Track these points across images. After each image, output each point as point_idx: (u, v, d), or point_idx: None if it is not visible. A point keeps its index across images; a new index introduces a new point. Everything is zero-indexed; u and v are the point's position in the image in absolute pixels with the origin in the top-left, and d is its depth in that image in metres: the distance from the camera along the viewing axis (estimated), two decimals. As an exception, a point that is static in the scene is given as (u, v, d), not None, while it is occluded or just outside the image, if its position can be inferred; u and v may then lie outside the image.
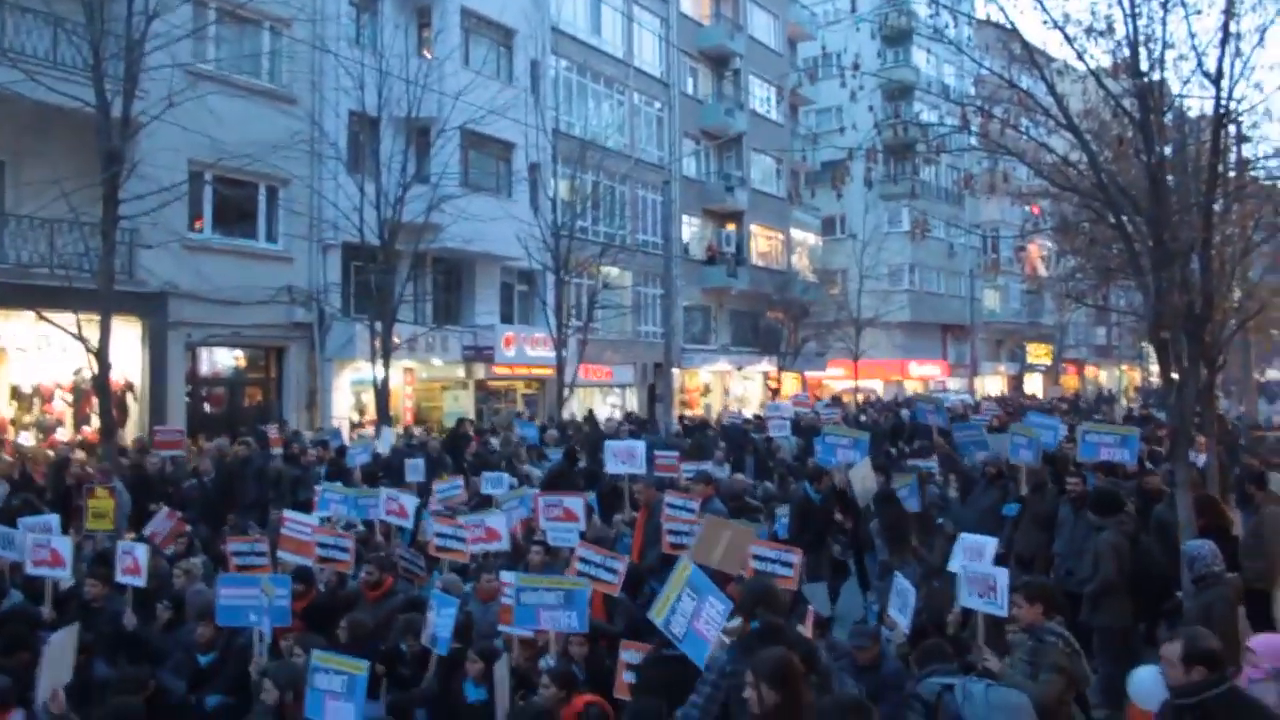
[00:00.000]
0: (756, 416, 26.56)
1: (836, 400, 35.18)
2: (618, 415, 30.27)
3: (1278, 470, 12.37)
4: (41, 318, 15.75)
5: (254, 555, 10.67)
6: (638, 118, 36.84)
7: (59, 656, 7.40)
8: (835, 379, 46.21)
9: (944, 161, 47.53)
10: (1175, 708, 5.02)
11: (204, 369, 23.31)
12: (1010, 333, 59.20)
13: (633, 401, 36.14)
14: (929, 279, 52.24)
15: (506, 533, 11.22)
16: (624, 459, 13.32)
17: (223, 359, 23.93)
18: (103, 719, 6.29)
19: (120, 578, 9.85)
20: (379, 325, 21.17)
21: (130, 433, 20.06)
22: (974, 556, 8.50)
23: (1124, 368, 67.77)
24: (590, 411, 29.98)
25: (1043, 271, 41.92)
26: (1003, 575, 7.03)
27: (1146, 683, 6.69)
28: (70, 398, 20.40)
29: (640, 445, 13.78)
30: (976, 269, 52.89)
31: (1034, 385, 58.99)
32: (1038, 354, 60.51)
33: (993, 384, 56.19)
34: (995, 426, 18.21)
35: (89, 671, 7.92)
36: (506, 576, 9.15)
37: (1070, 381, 61.82)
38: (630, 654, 7.43)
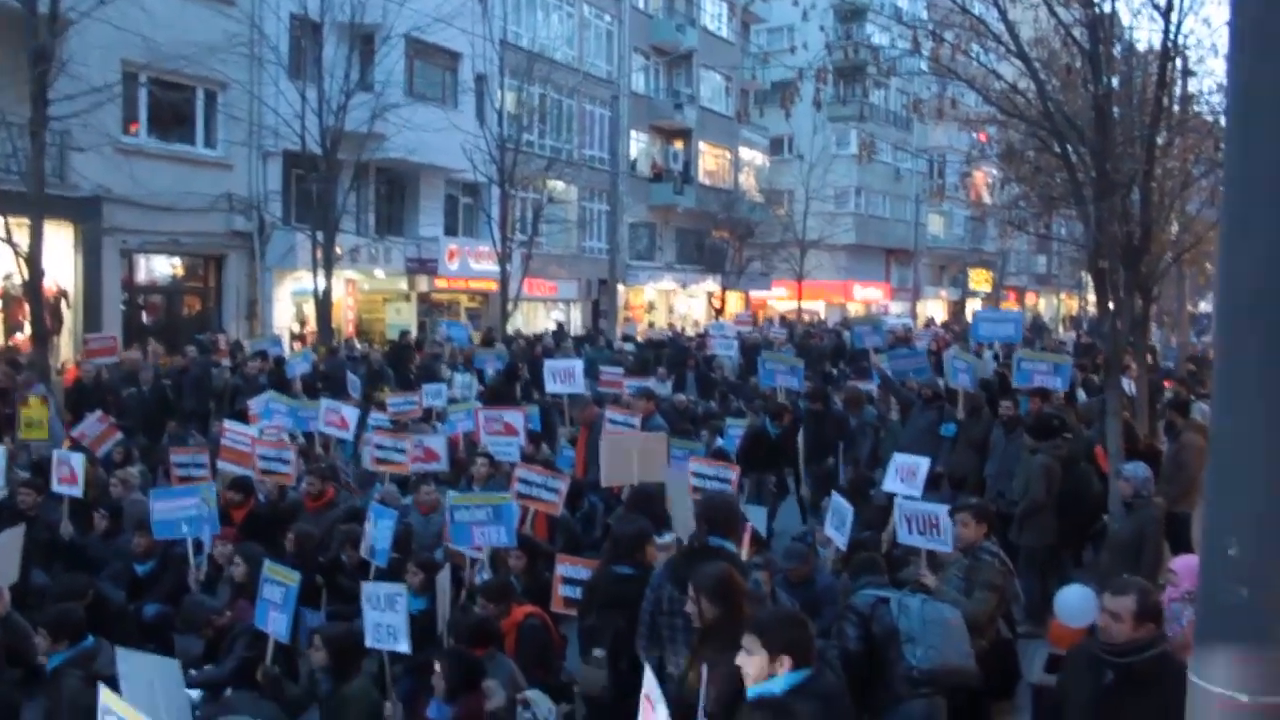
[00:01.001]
0: (699, 334, 26.70)
1: (784, 320, 35.41)
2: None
3: (1201, 399, 12.77)
4: (-31, 220, 15.30)
5: (195, 467, 10.64)
6: (587, 30, 36.22)
7: (2, 558, 7.35)
8: (779, 299, 46.40)
9: (893, 86, 47.32)
10: (1101, 663, 4.76)
11: (141, 277, 22.84)
12: (953, 258, 59.71)
13: (577, 317, 36.11)
14: (875, 203, 52.37)
15: (445, 453, 11.25)
16: (562, 379, 13.36)
17: (160, 267, 23.47)
18: (43, 625, 6.25)
19: (56, 487, 9.78)
20: (320, 235, 20.85)
21: (65, 341, 19.69)
22: (907, 475, 8.71)
23: (1063, 296, 68.76)
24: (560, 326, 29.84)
25: (987, 199, 42.11)
26: (944, 515, 7.14)
27: (1072, 601, 6.95)
28: (0, 304, 19.93)
29: (578, 364, 13.84)
30: (922, 194, 53.06)
31: (975, 309, 59.76)
32: (979, 280, 61.09)
33: (934, 309, 56.80)
34: (935, 350, 18.51)
35: (26, 579, 7.88)
36: (444, 497, 9.25)
37: (1010, 308, 62.67)
38: (566, 568, 7.55)
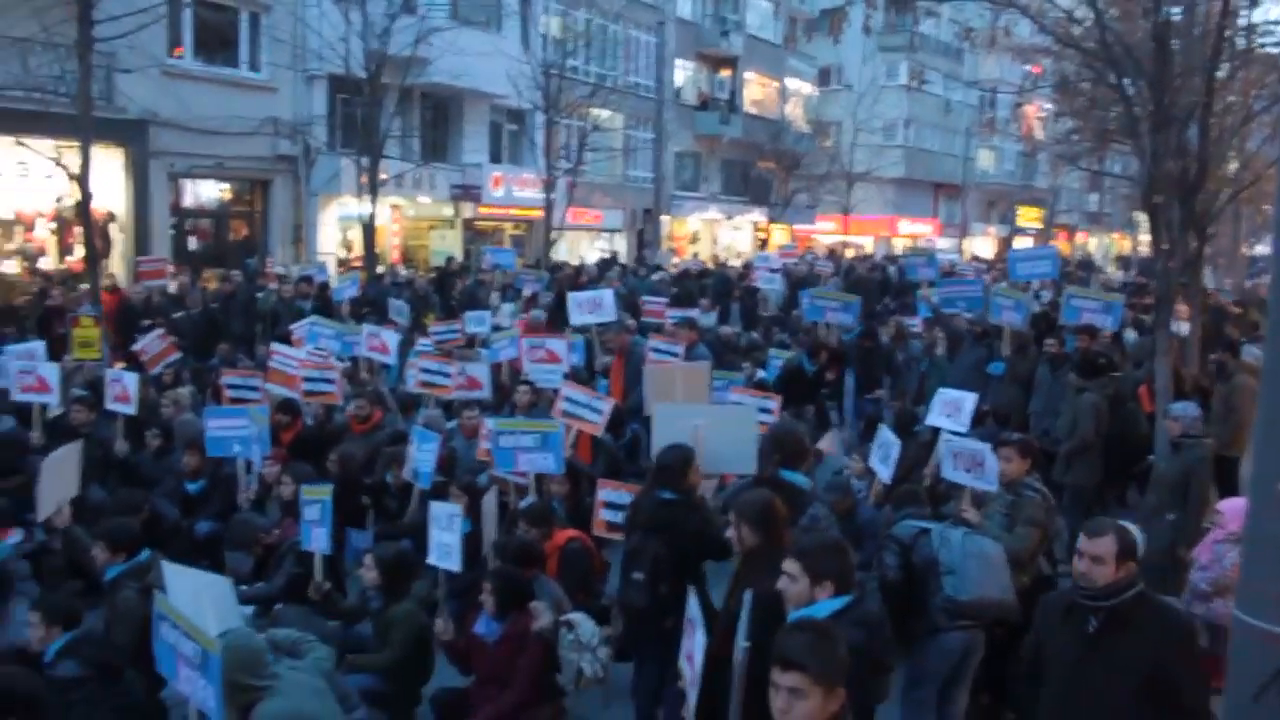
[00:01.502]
0: (744, 265, 26.55)
1: (831, 254, 35.03)
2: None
3: (1253, 341, 12.56)
4: (20, 143, 15.44)
5: (247, 389, 10.79)
6: (634, -46, 35.69)
7: (61, 473, 7.51)
8: (824, 233, 45.97)
9: (945, 14, 46.32)
10: (1083, 609, 4.61)
11: (188, 201, 23.00)
12: (1002, 194, 58.76)
13: (621, 247, 36.01)
14: (924, 135, 51.50)
15: (488, 381, 11.31)
16: (589, 309, 13.27)
17: (207, 191, 23.61)
18: (100, 537, 6.43)
19: (110, 405, 9.97)
20: (365, 160, 20.84)
21: (115, 263, 19.94)
22: (952, 410, 8.66)
23: (1114, 235, 67.59)
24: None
25: (1039, 133, 41.37)
26: (989, 452, 7.08)
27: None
28: (53, 226, 20.17)
29: (608, 293, 13.75)
30: (972, 128, 52.05)
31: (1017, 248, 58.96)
32: (1028, 217, 60.16)
33: (982, 245, 55.98)
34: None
35: (83, 495, 8.06)
36: (488, 422, 9.30)
37: (1060, 246, 61.72)
38: (608, 492, 7.61)
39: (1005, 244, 57.31)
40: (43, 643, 5.34)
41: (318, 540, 6.98)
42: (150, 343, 12.50)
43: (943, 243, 50.90)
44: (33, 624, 5.41)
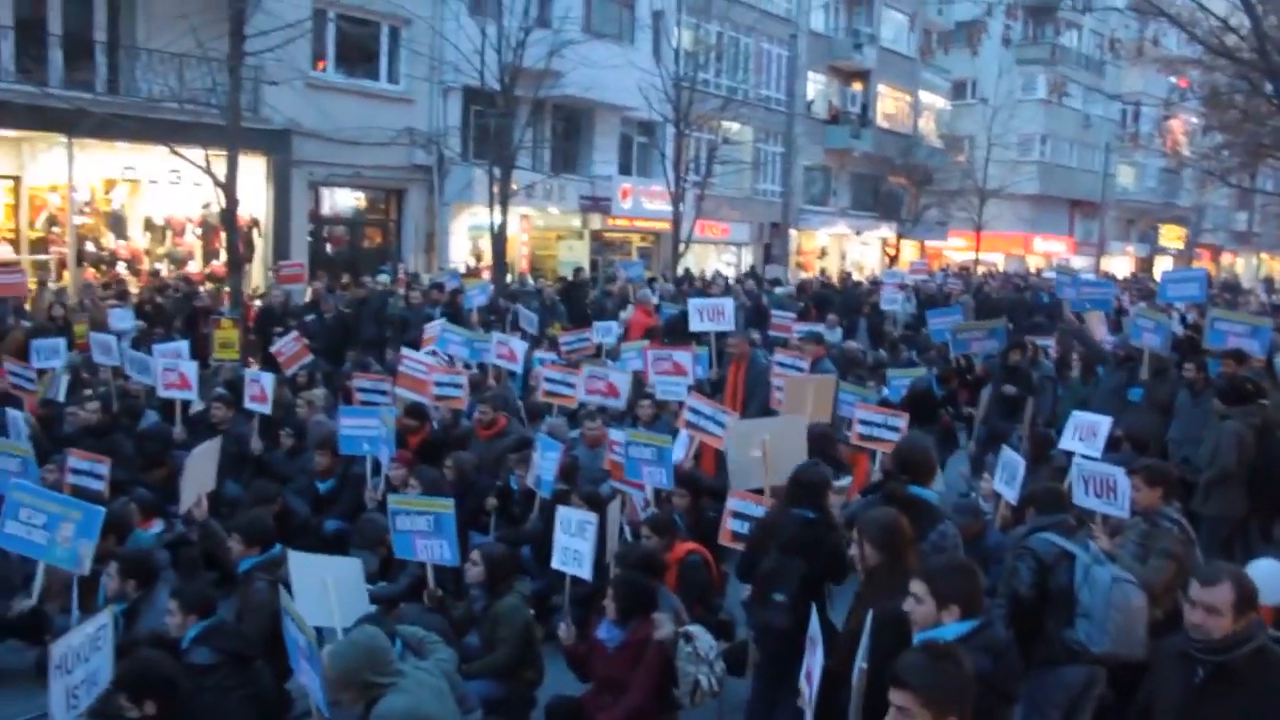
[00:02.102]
0: (872, 281, 26.18)
1: (962, 271, 34.26)
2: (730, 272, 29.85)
3: None
4: (173, 152, 16.15)
5: (376, 393, 11.03)
6: (766, -33, 35.58)
7: (202, 467, 7.78)
8: (956, 249, 45.09)
9: (1086, 25, 45.03)
10: (1193, 660, 4.27)
11: (326, 209, 23.76)
12: (1143, 212, 56.69)
13: (748, 260, 35.87)
14: (1061, 151, 50.04)
15: (626, 390, 11.36)
16: (710, 316, 13.21)
17: (344, 199, 24.35)
18: (236, 529, 6.65)
19: (248, 404, 10.32)
20: (497, 171, 21.21)
21: (256, 268, 20.68)
22: (1086, 435, 8.35)
23: (1263, 256, 64.60)
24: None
25: (1184, 148, 39.83)
26: (1122, 477, 6.81)
27: (1265, 576, 6.53)
28: (200, 231, 21.03)
29: (728, 302, 13.66)
30: (1113, 142, 50.39)
31: (1164, 269, 56.77)
32: (1170, 236, 57.95)
33: (1120, 265, 54.13)
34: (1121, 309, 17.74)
35: (219, 490, 8.33)
36: (615, 434, 9.34)
37: (1196, 266, 59.31)
38: (738, 503, 7.54)
39: (1145, 264, 55.34)
40: (180, 630, 5.54)
41: (431, 551, 6.97)
42: (286, 344, 12.89)
43: (1078, 261, 49.35)
44: (171, 612, 5.60)
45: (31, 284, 16.50)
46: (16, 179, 18.89)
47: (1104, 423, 8.44)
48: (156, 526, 7.96)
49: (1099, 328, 14.52)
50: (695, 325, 13.30)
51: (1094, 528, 6.70)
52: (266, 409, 10.25)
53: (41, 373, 11.84)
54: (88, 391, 11.23)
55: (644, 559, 6.59)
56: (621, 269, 21.37)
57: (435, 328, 13.60)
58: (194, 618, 5.58)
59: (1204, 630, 4.19)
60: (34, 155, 18.70)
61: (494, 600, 6.52)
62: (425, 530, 6.85)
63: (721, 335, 12.85)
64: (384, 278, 18.60)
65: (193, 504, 7.61)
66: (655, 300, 17.95)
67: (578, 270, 22.89)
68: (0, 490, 8.27)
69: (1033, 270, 38.22)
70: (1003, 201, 40.96)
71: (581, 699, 6.19)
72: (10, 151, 18.61)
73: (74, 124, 16.28)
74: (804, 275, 31.45)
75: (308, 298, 17.45)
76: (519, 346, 12.92)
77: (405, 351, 12.45)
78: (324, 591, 5.69)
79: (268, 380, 10.39)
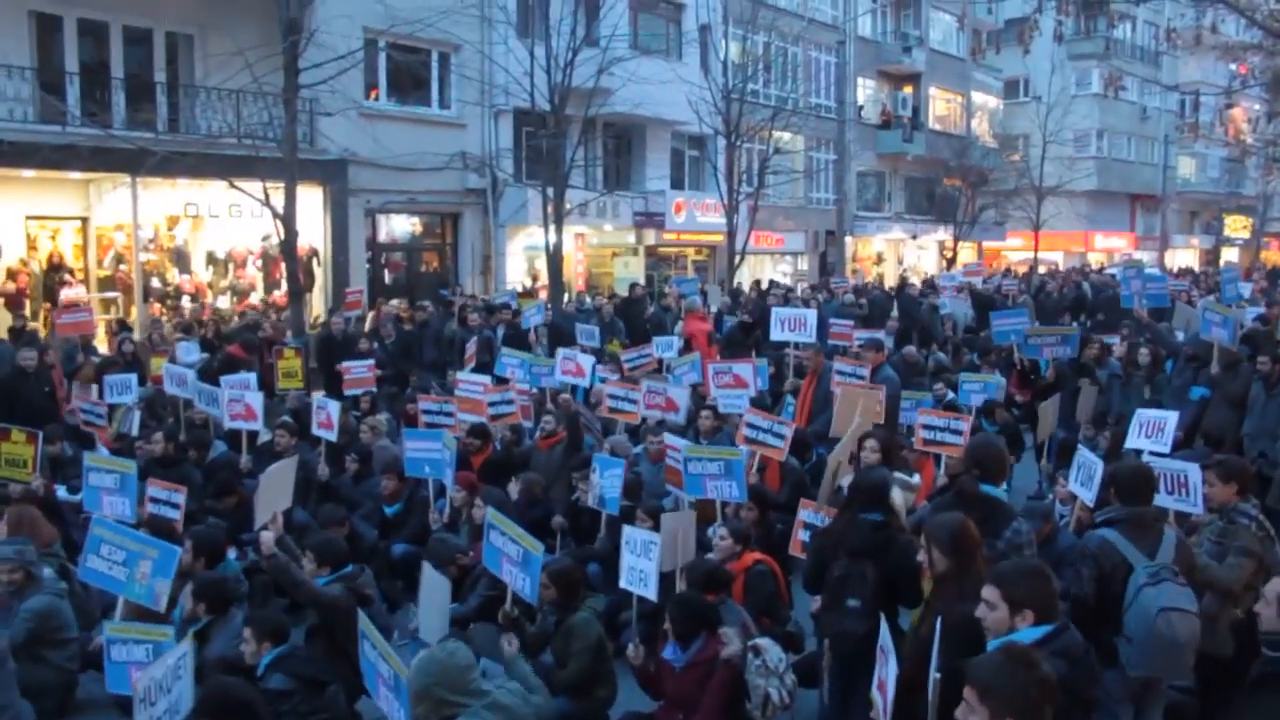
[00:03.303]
0: (925, 283, 25.92)
1: (1008, 272, 33.70)
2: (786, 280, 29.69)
3: None
4: (232, 186, 16.47)
5: (441, 415, 11.13)
6: (812, -25, 35.51)
7: (276, 485, 7.90)
8: (1014, 249, 44.52)
9: (1140, 17, 44.31)
10: (1268, 669, 4.19)
11: (382, 236, 24.05)
12: (1206, 203, 55.58)
13: (804, 269, 35.72)
14: (1118, 145, 49.24)
15: (685, 405, 11.36)
16: (792, 327, 13.17)
17: (400, 225, 24.62)
18: (312, 546, 6.81)
19: (315, 430, 10.47)
20: (550, 191, 21.33)
21: (315, 298, 20.98)
22: (1153, 432, 8.20)
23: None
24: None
25: (1248, 136, 38.95)
26: (1195, 472, 6.67)
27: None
28: (260, 263, 21.39)
29: (811, 313, 13.59)
30: (1171, 134, 49.49)
31: (1230, 260, 55.53)
32: (1236, 227, 56.67)
33: (1184, 257, 53.14)
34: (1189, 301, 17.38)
35: (287, 515, 8.44)
36: (676, 442, 9.34)
37: (1272, 257, 57.86)
38: (807, 513, 7.53)
39: (1211, 255, 54.20)
40: (255, 657, 5.61)
41: (514, 580, 6.78)
42: (358, 369, 13.06)
43: (1140, 256, 48.55)
44: (246, 639, 5.68)
45: (100, 321, 16.90)
46: (84, 219, 19.40)
47: (1171, 418, 8.29)
48: (230, 554, 8.08)
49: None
50: (776, 335, 13.25)
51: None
52: (333, 435, 10.39)
53: (112, 409, 12.10)
54: (158, 425, 11.46)
55: (708, 574, 6.57)
56: (675, 284, 21.38)
57: (471, 345, 13.86)
58: (269, 644, 5.66)
59: (1270, 622, 4.14)
60: (100, 196, 19.21)
61: (566, 615, 6.54)
62: (514, 558, 6.83)
63: (780, 345, 12.85)
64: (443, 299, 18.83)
65: (268, 520, 7.76)
66: (705, 308, 17.98)
67: (633, 286, 22.93)
68: (91, 508, 8.56)
69: (1093, 266, 37.64)
70: (1060, 199, 40.39)
71: (653, 716, 6.18)
72: (78, 193, 19.13)
73: (137, 163, 16.65)
74: (865, 280, 31.18)
75: (368, 325, 17.67)
76: (586, 361, 12.99)
77: (461, 375, 12.63)
78: (432, 608, 5.80)
79: (334, 407, 10.53)
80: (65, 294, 18.11)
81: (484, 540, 7.03)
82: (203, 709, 4.85)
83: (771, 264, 34.75)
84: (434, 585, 6.21)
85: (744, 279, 28.74)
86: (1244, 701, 4.20)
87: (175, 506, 8.31)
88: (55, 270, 18.86)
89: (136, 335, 16.30)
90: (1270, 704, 4.01)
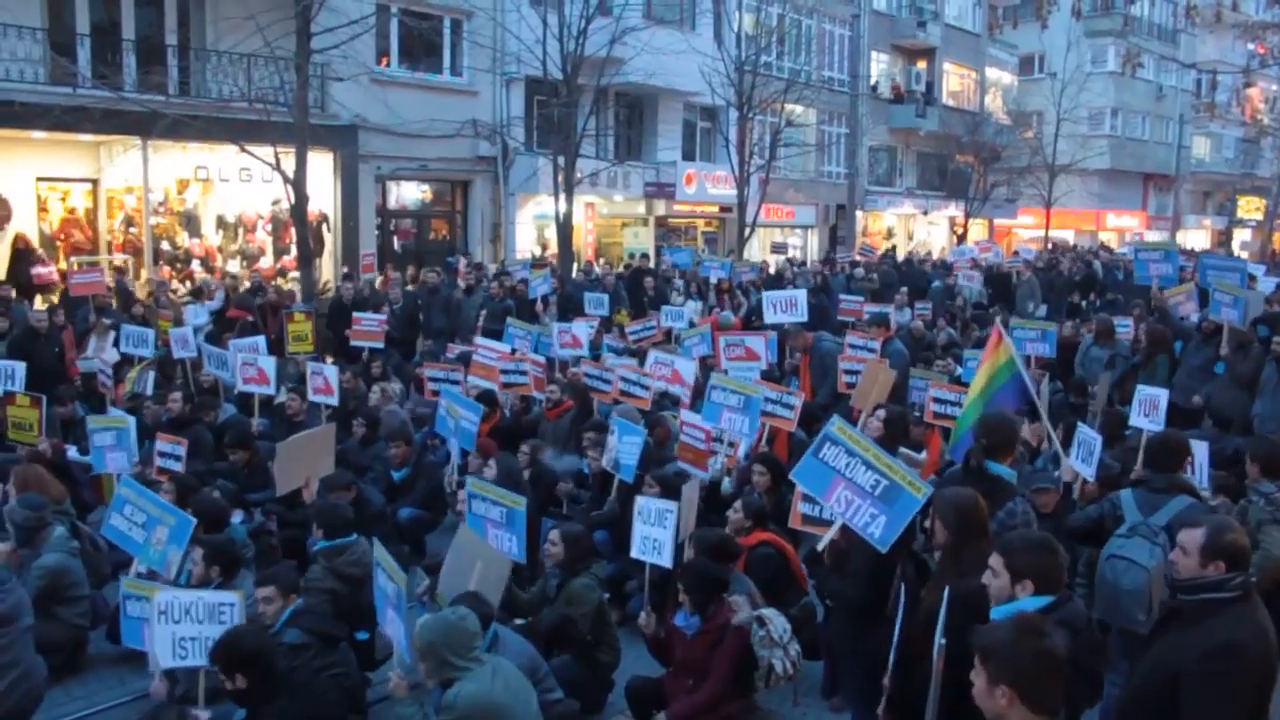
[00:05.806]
0: (939, 261, 25.86)
1: (1016, 255, 33.44)
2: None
3: None
4: (243, 150, 16.44)
5: (448, 383, 11.16)
6: (827, -54, 35.21)
7: (310, 451, 8.13)
8: (1025, 227, 44.27)
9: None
10: (1169, 608, 4.40)
11: (392, 202, 24.02)
12: (1220, 184, 55.12)
13: (814, 243, 35.63)
14: (1132, 124, 48.82)
15: (692, 378, 11.36)
16: (784, 308, 13.20)
17: (409, 192, 24.59)
18: (317, 515, 6.83)
19: (313, 396, 10.51)
20: (561, 160, 21.28)
21: (325, 262, 20.98)
22: (1150, 410, 8.21)
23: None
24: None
25: (1264, 117, 38.67)
26: (1202, 450, 6.67)
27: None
28: (270, 227, 21.39)
29: (801, 294, 13.63)
30: (1187, 114, 49.08)
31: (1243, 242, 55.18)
32: (1249, 208, 56.25)
33: (1196, 238, 52.79)
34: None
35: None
36: (689, 417, 9.37)
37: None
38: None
39: (1223, 236, 53.89)
40: (277, 613, 5.73)
41: (500, 541, 6.77)
42: (368, 320, 13.14)
43: (1152, 236, 48.26)
44: (268, 596, 5.74)
45: (110, 282, 16.92)
46: (95, 182, 19.39)
47: (1162, 395, 8.32)
48: (236, 517, 8.12)
49: (1188, 304, 14.12)
50: (770, 317, 13.35)
51: None
52: (333, 400, 10.43)
53: (118, 367, 12.18)
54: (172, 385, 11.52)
55: (718, 544, 6.56)
56: (667, 255, 21.36)
57: (491, 317, 14.15)
58: (293, 597, 5.81)
59: (1175, 567, 4.32)
60: (110, 158, 19.18)
61: (568, 579, 6.58)
62: (498, 521, 6.86)
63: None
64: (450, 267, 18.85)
65: (298, 485, 7.90)
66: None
67: (637, 256, 22.87)
68: (97, 466, 8.79)
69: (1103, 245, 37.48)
70: (1073, 177, 40.12)
71: (661, 680, 6.22)
72: (88, 155, 19.11)
73: (148, 126, 16.62)
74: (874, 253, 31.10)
75: (379, 287, 17.73)
76: (582, 330, 13.01)
77: (480, 341, 12.67)
78: (469, 571, 5.82)
79: (330, 372, 10.58)
80: (38, 271, 17.61)
81: (466, 512, 7.05)
82: (214, 657, 4.97)
83: (782, 237, 34.57)
84: (469, 549, 6.18)
85: (752, 252, 28.66)
86: (1153, 635, 4.43)
87: (178, 459, 8.56)
88: (23, 256, 17.61)
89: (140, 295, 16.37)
90: (1176, 635, 4.20)
